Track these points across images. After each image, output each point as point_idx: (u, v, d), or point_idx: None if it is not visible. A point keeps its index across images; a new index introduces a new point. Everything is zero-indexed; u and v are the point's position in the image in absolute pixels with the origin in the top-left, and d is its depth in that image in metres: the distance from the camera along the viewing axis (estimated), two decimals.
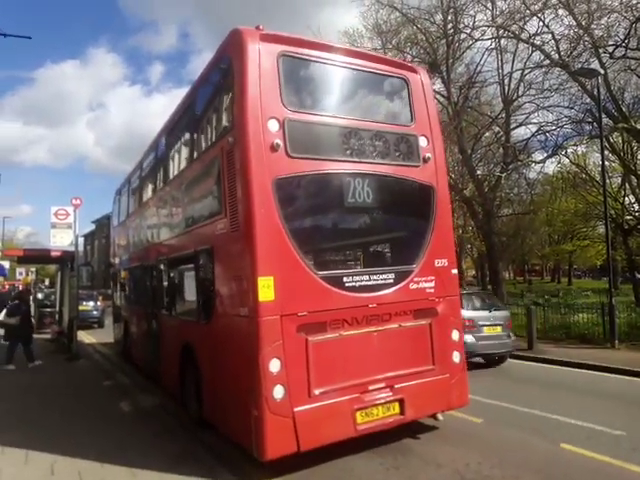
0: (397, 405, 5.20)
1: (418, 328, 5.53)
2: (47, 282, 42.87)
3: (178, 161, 7.53)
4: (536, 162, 21.05)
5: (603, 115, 16.25)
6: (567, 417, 6.34)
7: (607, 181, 21.49)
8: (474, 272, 61.14)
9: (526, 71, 19.96)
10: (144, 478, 4.58)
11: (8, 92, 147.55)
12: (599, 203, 23.37)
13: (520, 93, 20.46)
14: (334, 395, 4.83)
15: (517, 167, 21.49)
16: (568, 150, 21.90)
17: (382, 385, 5.13)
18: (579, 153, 26.53)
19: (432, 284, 5.69)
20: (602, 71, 13.68)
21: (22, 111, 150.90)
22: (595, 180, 25.86)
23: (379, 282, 5.34)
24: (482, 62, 21.11)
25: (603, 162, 14.05)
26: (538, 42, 18.43)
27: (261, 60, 4.98)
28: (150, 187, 9.22)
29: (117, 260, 12.46)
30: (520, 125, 21.86)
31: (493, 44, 20.00)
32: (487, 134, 23.02)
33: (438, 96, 23.51)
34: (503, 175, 19.64)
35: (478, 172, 22.85)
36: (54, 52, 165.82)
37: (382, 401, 5.11)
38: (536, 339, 11.75)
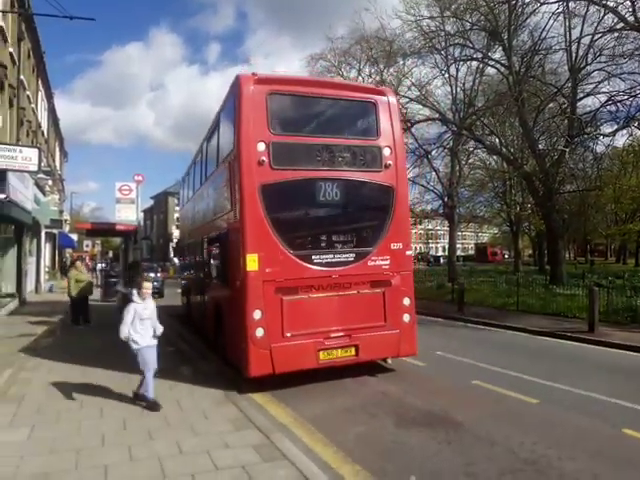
0: (353, 349, 7.11)
1: (373, 294, 7.34)
2: (110, 254, 45.44)
3: (208, 167, 9.79)
4: (605, 135, 19.58)
5: None
6: (631, 403, 6.06)
7: None
8: (531, 251, 58.70)
9: (597, 36, 18.41)
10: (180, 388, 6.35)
11: (78, 75, 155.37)
12: None
13: (589, 60, 19.00)
14: (302, 338, 6.80)
15: (583, 140, 20.13)
16: None
17: (341, 334, 7.06)
18: None
19: (388, 262, 7.44)
20: None
21: (90, 93, 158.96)
22: None
23: (341, 260, 7.21)
24: (547, 28, 19.69)
25: None
26: (611, 3, 16.91)
27: (253, 98, 6.85)
28: (197, 182, 11.35)
29: (181, 237, 14.73)
30: (588, 95, 20.38)
31: (560, 7, 18.63)
32: (551, 105, 21.65)
33: (498, 65, 22.35)
34: (567, 149, 18.48)
35: (540, 146, 21.65)
36: (119, 34, 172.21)
37: (341, 345, 7.05)
38: (598, 322, 11.20)
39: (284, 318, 6.73)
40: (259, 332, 6.58)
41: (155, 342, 6.00)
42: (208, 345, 9.65)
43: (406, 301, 7.56)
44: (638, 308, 12.37)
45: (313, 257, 7.04)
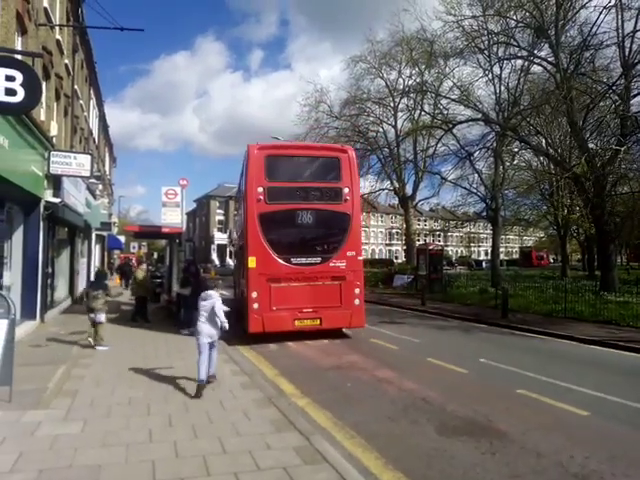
0: (318, 320, 10.84)
1: (333, 285, 10.97)
2: (155, 255, 47.10)
3: (239, 201, 14.85)
4: None
5: None
6: None
7: None
8: (579, 256, 56.22)
9: None
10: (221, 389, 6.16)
11: (129, 84, 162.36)
12: None
13: None
14: (283, 311, 10.57)
15: (638, 140, 19.07)
16: None
17: (310, 310, 10.75)
18: None
19: (344, 264, 11.04)
20: None
21: (139, 101, 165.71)
22: None
23: (312, 261, 10.98)
24: (598, 22, 18.72)
25: None
26: None
27: (257, 158, 10.82)
28: (238, 209, 16.15)
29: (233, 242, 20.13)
30: None
31: (612, 1, 17.74)
32: (602, 103, 20.63)
33: (544, 63, 21.56)
34: (622, 149, 17.57)
35: (590, 145, 20.69)
36: (167, 44, 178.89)
37: (310, 317, 10.78)
38: None
39: (271, 298, 10.52)
40: (255, 305, 10.46)
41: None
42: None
43: (357, 290, 11.14)
44: None
45: (292, 259, 10.80)
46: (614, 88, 18.91)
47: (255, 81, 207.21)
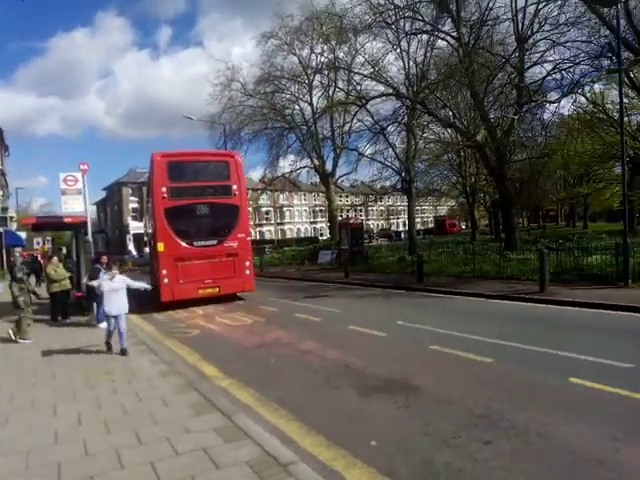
0: (217, 288, 13.59)
1: (228, 261, 13.71)
2: (65, 250, 43.63)
3: (149, 197, 17.10)
4: (551, 102, 20.16)
5: (623, 48, 15.39)
6: (577, 354, 6.40)
7: (625, 118, 20.66)
8: (487, 221, 60.57)
9: (541, 5, 18.82)
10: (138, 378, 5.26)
11: (21, 64, 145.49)
12: (616, 143, 22.59)
13: (534, 29, 19.40)
14: (189, 283, 13.14)
15: (531, 108, 20.69)
16: (585, 88, 20.95)
17: (211, 281, 13.44)
18: (597, 91, 25.43)
19: (236, 244, 13.88)
20: None
21: (36, 83, 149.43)
22: (613, 119, 24.90)
23: (209, 243, 13.65)
24: None
25: (621, 96, 13.31)
26: None
27: (160, 164, 13.38)
28: (148, 205, 18.75)
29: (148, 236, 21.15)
30: (535, 64, 20.85)
31: None
32: (500, 75, 22.03)
33: (448, 37, 22.46)
34: (516, 117, 18.95)
35: (491, 116, 22.07)
36: (64, 20, 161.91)
37: (210, 286, 13.47)
38: (548, 282, 11.73)
39: (178, 273, 13.12)
40: (166, 280, 13.02)
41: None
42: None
43: (247, 263, 14.09)
44: (584, 267, 13.03)
45: (194, 242, 13.49)
46: (510, 61, 20.25)
47: (164, 59, 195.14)
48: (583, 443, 3.97)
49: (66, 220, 12.60)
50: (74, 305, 14.01)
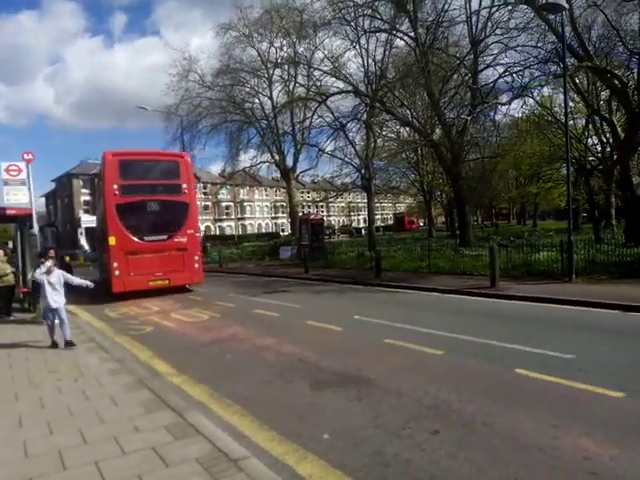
0: (167, 280, 14.33)
1: (178, 255, 14.50)
2: (11, 244, 41.25)
3: (100, 194, 17.62)
4: (502, 104, 20.99)
5: (568, 54, 16.16)
6: (523, 346, 6.70)
7: (570, 122, 21.75)
8: (444, 218, 62.20)
9: (493, 9, 19.46)
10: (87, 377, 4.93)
11: None
12: (563, 145, 23.70)
13: (487, 33, 20.04)
14: (140, 276, 13.84)
15: (483, 110, 21.41)
16: (534, 91, 21.88)
17: (161, 274, 14.17)
18: (545, 94, 26.59)
19: (186, 239, 14.70)
20: (567, 5, 13.44)
21: None
22: (560, 121, 26.10)
23: (159, 238, 14.36)
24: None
25: (566, 100, 14.02)
26: None
27: (112, 162, 14.02)
28: (99, 201, 18.48)
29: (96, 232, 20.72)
30: (488, 67, 21.59)
31: None
32: (455, 76, 22.66)
33: (405, 37, 22.85)
34: (469, 118, 19.55)
35: (446, 116, 22.65)
36: (8, 1, 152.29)
37: (161, 278, 14.20)
38: (498, 277, 12.20)
39: (129, 266, 13.69)
40: (117, 272, 13.56)
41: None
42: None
43: (196, 257, 14.94)
44: (532, 262, 13.65)
45: (144, 237, 14.13)
46: (464, 63, 20.85)
47: (119, 47, 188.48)
48: (525, 431, 4.16)
49: (9, 212, 11.93)
50: (20, 302, 13.32)
